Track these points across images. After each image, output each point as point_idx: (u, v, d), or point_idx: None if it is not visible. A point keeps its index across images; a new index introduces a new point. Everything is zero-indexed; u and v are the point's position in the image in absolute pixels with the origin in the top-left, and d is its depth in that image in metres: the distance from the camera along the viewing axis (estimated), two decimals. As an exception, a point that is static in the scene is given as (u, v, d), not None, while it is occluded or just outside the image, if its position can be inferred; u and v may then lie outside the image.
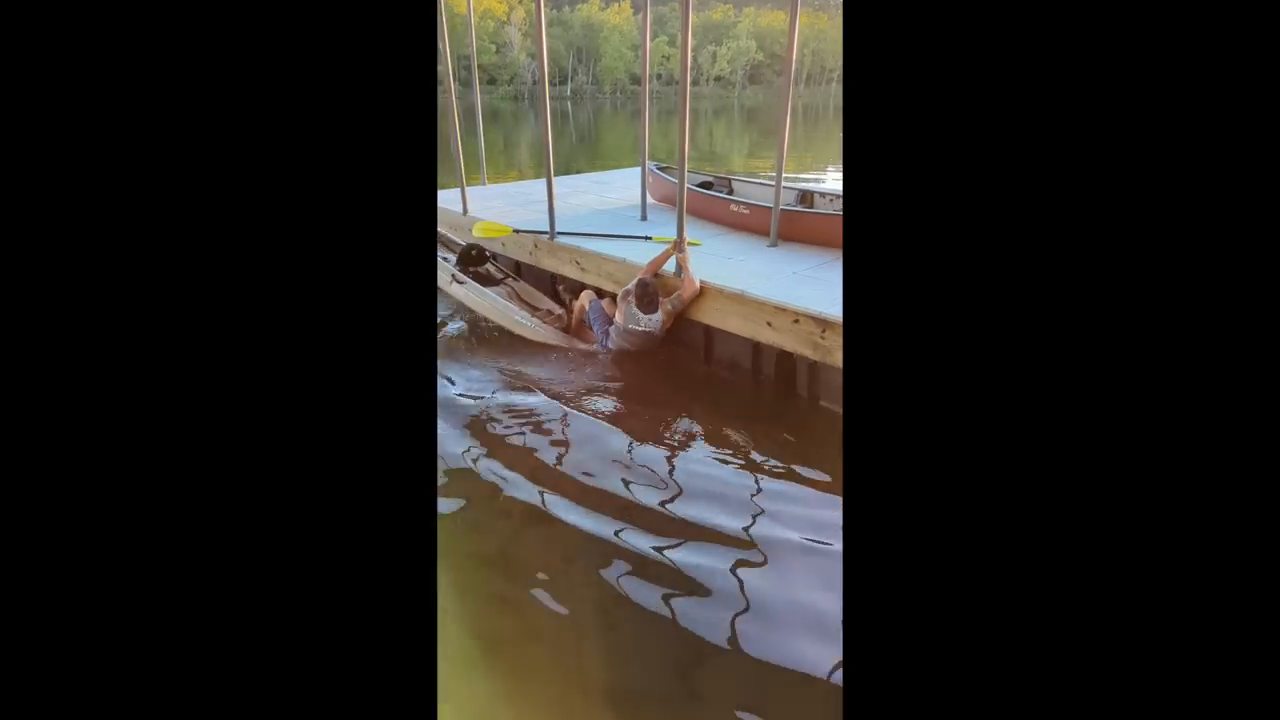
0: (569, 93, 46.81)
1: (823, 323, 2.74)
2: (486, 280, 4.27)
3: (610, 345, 3.44)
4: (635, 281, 3.34)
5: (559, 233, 4.05)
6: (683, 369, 3.41)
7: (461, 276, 4.09)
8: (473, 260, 4.36)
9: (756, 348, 3.16)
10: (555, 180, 3.97)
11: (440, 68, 4.04)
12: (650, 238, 3.95)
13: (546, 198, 3.95)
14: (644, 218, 4.52)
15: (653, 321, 3.33)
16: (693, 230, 4.09)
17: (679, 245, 3.30)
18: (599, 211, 4.81)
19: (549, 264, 4.15)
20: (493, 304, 3.87)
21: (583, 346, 3.57)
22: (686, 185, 3.28)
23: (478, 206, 4.85)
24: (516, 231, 4.23)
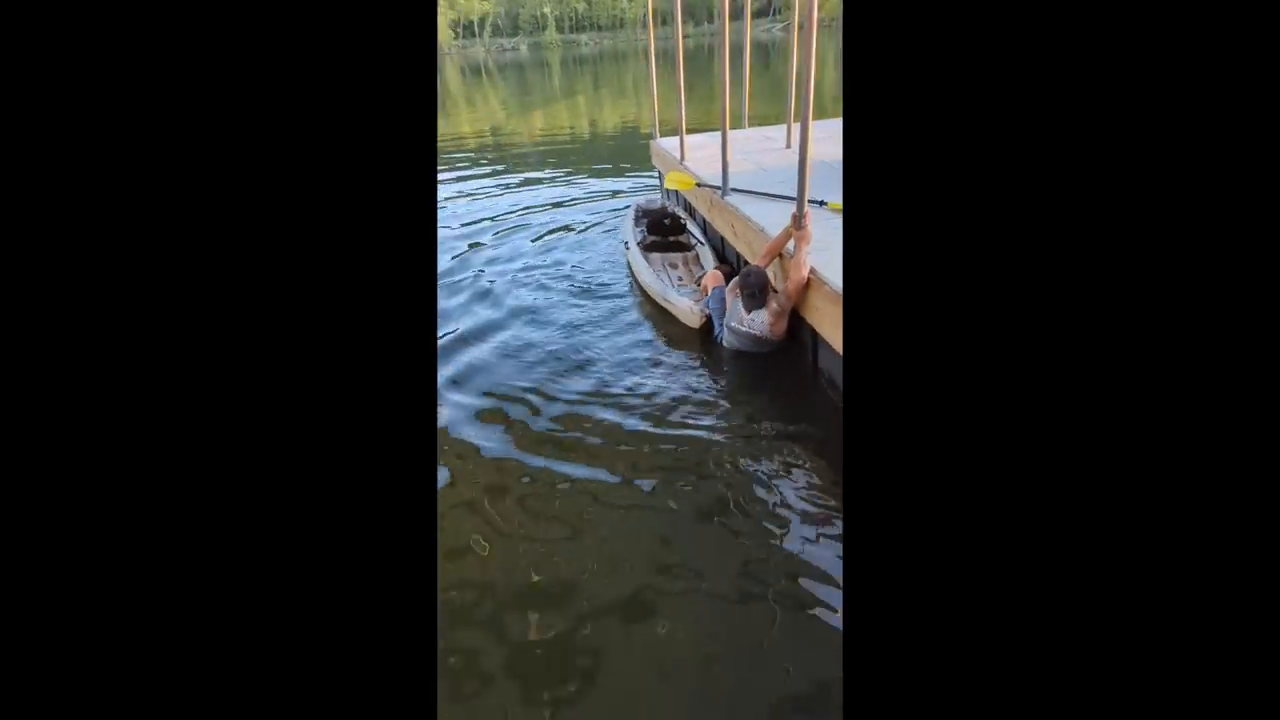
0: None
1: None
2: (679, 248, 4.05)
3: (723, 341, 2.95)
4: (744, 269, 2.76)
5: (731, 189, 3.56)
6: (786, 382, 2.74)
7: (630, 242, 3.97)
8: (666, 229, 4.16)
9: (849, 369, 2.32)
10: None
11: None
12: (825, 203, 3.17)
13: (721, 149, 3.48)
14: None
15: (756, 322, 2.72)
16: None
17: (796, 221, 2.57)
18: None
19: (719, 224, 3.72)
20: (640, 272, 3.68)
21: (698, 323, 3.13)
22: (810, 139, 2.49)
23: (706, 154, 4.54)
24: (699, 185, 3.88)
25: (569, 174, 7.21)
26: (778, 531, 1.93)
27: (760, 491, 2.09)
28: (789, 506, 2.02)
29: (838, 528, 1.90)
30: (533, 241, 4.86)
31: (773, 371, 2.77)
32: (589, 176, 7.11)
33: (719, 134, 3.51)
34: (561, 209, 5.78)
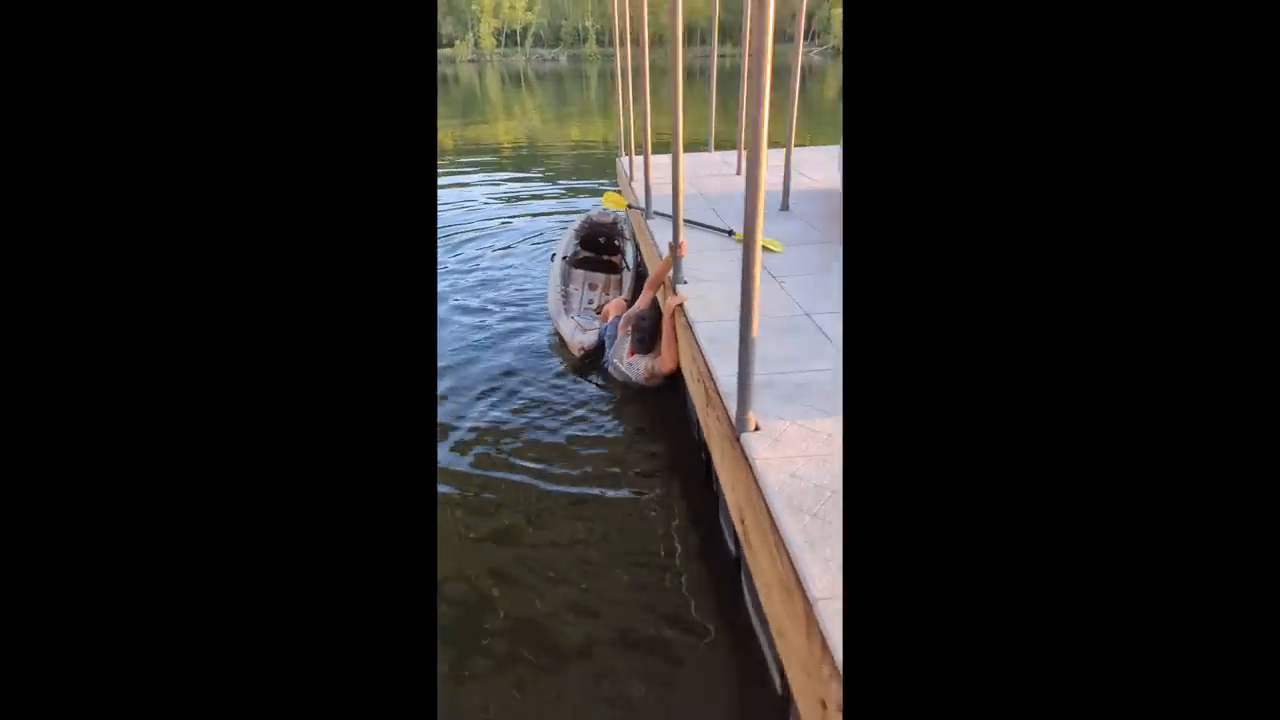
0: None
1: (721, 403, 1.73)
2: (608, 268, 3.96)
3: (609, 369, 2.85)
4: (634, 309, 2.69)
5: (655, 213, 3.48)
6: (659, 416, 2.64)
7: (558, 254, 3.89)
8: (600, 246, 4.07)
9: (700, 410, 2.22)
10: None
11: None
12: (733, 233, 3.08)
13: (643, 170, 3.42)
14: (784, 207, 3.52)
15: (635, 368, 2.66)
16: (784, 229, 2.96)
17: (674, 251, 2.48)
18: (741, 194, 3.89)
19: (643, 247, 3.64)
20: (550, 287, 3.59)
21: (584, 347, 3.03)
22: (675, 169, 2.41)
23: (661, 175, 4.44)
24: (629, 207, 3.82)
25: (557, 180, 7.20)
26: (602, 580, 1.83)
27: (591, 524, 2.00)
28: (624, 549, 1.92)
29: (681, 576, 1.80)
30: (463, 249, 4.81)
31: (653, 403, 2.67)
32: (580, 180, 7.09)
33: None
34: (525, 209, 5.76)
